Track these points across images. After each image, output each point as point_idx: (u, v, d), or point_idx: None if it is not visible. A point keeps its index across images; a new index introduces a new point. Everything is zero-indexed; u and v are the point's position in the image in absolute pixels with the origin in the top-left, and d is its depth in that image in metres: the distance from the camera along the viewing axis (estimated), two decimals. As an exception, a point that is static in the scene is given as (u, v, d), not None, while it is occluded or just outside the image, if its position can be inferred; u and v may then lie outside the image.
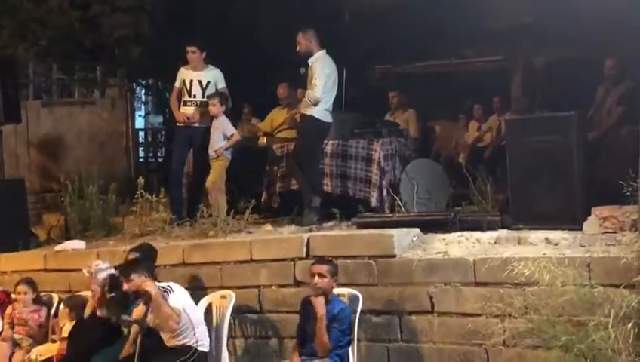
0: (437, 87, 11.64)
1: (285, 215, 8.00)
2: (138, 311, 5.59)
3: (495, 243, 6.00)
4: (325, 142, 7.84)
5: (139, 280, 5.36)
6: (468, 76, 11.45)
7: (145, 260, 5.96)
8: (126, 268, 5.58)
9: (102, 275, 6.11)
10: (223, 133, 7.96)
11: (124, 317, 5.61)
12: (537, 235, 5.92)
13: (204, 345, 5.57)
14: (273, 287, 6.41)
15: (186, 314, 5.42)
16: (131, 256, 6.04)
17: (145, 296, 5.33)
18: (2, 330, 6.63)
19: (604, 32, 8.58)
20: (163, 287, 5.46)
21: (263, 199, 8.41)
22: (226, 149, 7.97)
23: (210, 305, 6.22)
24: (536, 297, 5.10)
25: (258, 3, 11.49)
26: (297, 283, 6.28)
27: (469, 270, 5.59)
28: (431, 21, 10.75)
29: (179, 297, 5.49)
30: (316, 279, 5.31)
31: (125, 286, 5.46)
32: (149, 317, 5.45)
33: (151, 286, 5.28)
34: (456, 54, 11.47)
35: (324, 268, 5.34)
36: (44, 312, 6.60)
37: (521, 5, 9.61)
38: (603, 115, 7.65)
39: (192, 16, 11.53)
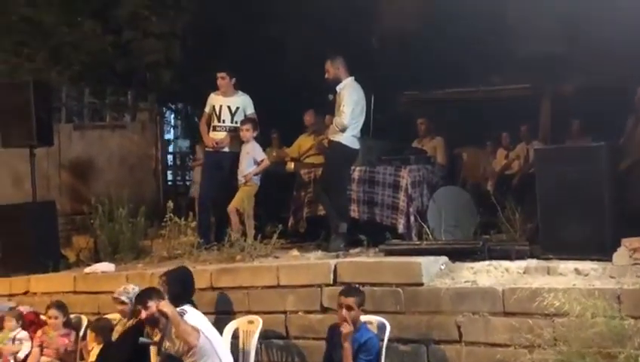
0: (464, 114, 11.66)
1: (312, 240, 8.02)
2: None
3: (524, 273, 5.96)
4: (353, 168, 7.87)
5: (155, 306, 5.39)
6: (496, 103, 11.45)
7: (172, 284, 6.00)
8: (142, 296, 5.60)
9: None
10: (253, 159, 8.03)
11: (142, 339, 5.66)
12: (567, 266, 5.87)
13: None
14: (300, 313, 6.41)
15: (205, 336, 5.42)
16: (162, 279, 6.08)
17: (161, 321, 5.37)
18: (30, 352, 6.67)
19: (634, 60, 8.56)
20: (177, 311, 5.46)
21: (289, 224, 8.43)
22: (256, 175, 8.03)
23: (237, 330, 6.24)
24: (565, 329, 5.05)
25: (286, 29, 11.61)
26: (324, 310, 6.27)
27: (498, 300, 5.55)
28: (459, 48, 10.80)
29: (194, 319, 5.49)
30: (344, 312, 5.28)
31: (143, 314, 5.47)
32: (168, 344, 5.48)
33: (167, 306, 5.33)
34: (484, 81, 11.49)
35: (351, 301, 5.30)
36: (73, 336, 6.64)
37: (551, 33, 9.63)
38: (634, 145, 7.59)
39: (222, 42, 11.67)
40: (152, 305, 5.40)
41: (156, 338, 5.63)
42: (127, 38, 11.46)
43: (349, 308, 5.29)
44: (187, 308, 5.62)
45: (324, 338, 5.73)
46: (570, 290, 5.13)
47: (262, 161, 8.08)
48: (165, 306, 5.34)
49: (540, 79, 10.82)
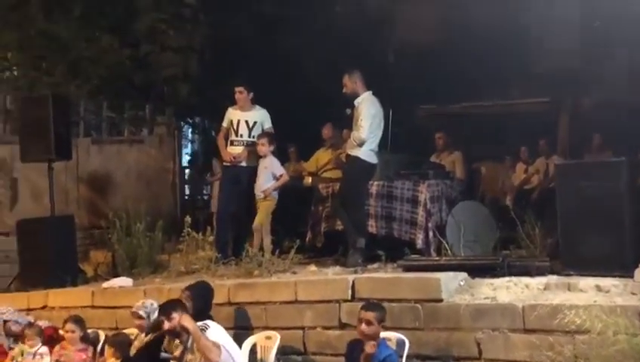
0: (482, 128, 11.61)
1: (329, 255, 8.01)
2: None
3: (544, 289, 5.89)
4: (370, 182, 7.85)
5: (178, 318, 5.38)
6: (514, 117, 11.40)
7: (196, 299, 6.00)
8: (167, 307, 5.61)
9: (156, 315, 6.23)
10: (272, 173, 8.02)
11: (163, 354, 5.69)
12: (587, 282, 5.81)
13: None
14: (318, 329, 6.37)
15: (226, 351, 5.40)
16: (185, 294, 6.08)
17: (183, 334, 5.37)
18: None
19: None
20: (200, 325, 5.45)
21: (307, 239, 8.41)
22: (275, 190, 8.01)
23: (254, 345, 6.22)
24: (586, 346, 5.00)
25: (304, 43, 11.64)
26: (342, 326, 6.23)
27: (518, 316, 5.49)
28: (477, 61, 10.78)
29: (216, 333, 5.47)
30: (363, 326, 5.26)
31: (167, 325, 5.48)
32: (190, 357, 5.46)
33: (188, 321, 5.32)
34: (502, 95, 11.45)
35: (371, 315, 5.28)
36: (90, 352, 6.60)
37: (569, 47, 9.59)
38: (653, 158, 7.55)
39: (239, 55, 11.70)
40: (176, 316, 5.41)
41: (177, 353, 5.63)
42: (145, 51, 11.51)
43: (369, 322, 5.26)
44: (210, 322, 5.61)
45: (342, 354, 5.70)
46: (591, 307, 5.07)
47: (281, 175, 8.07)
48: (186, 321, 5.33)
49: (559, 93, 10.76)
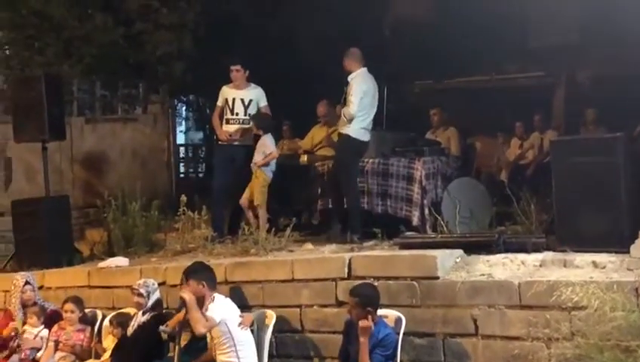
0: (478, 103, 11.56)
1: (326, 233, 7.99)
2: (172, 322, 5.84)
3: (540, 265, 5.89)
4: (366, 160, 7.83)
5: (192, 287, 5.62)
6: (509, 92, 11.35)
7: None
8: (188, 272, 5.83)
9: (156, 295, 6.28)
10: (263, 152, 8.00)
11: (162, 327, 5.81)
12: (584, 258, 5.81)
13: None
14: (315, 307, 6.38)
15: (226, 327, 5.51)
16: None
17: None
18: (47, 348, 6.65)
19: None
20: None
21: (303, 217, 8.41)
22: (264, 166, 7.97)
23: (251, 324, 6.22)
24: (583, 323, 5.02)
25: (298, 19, 11.54)
26: (339, 304, 6.22)
27: (514, 293, 5.50)
28: (473, 37, 10.71)
29: (218, 308, 5.58)
30: (349, 309, 5.42)
31: (184, 290, 5.65)
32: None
33: (185, 293, 5.56)
34: (497, 70, 11.39)
35: (351, 301, 5.40)
36: (88, 332, 6.63)
37: (565, 22, 9.54)
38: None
39: (233, 32, 11.61)
40: (192, 284, 5.68)
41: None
42: (138, 29, 11.41)
43: (352, 307, 5.37)
44: (218, 296, 5.71)
45: (340, 332, 5.74)
46: (588, 283, 5.06)
47: (270, 153, 8.03)
48: (185, 293, 5.55)
49: (554, 68, 10.72)
